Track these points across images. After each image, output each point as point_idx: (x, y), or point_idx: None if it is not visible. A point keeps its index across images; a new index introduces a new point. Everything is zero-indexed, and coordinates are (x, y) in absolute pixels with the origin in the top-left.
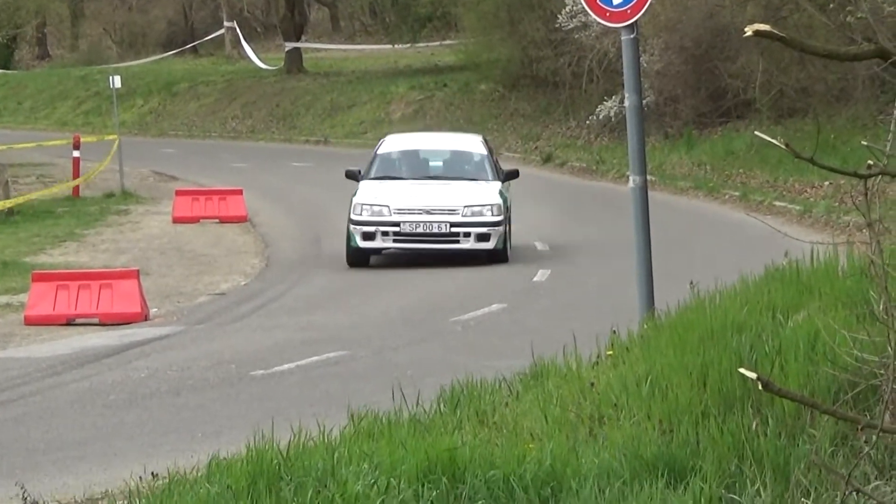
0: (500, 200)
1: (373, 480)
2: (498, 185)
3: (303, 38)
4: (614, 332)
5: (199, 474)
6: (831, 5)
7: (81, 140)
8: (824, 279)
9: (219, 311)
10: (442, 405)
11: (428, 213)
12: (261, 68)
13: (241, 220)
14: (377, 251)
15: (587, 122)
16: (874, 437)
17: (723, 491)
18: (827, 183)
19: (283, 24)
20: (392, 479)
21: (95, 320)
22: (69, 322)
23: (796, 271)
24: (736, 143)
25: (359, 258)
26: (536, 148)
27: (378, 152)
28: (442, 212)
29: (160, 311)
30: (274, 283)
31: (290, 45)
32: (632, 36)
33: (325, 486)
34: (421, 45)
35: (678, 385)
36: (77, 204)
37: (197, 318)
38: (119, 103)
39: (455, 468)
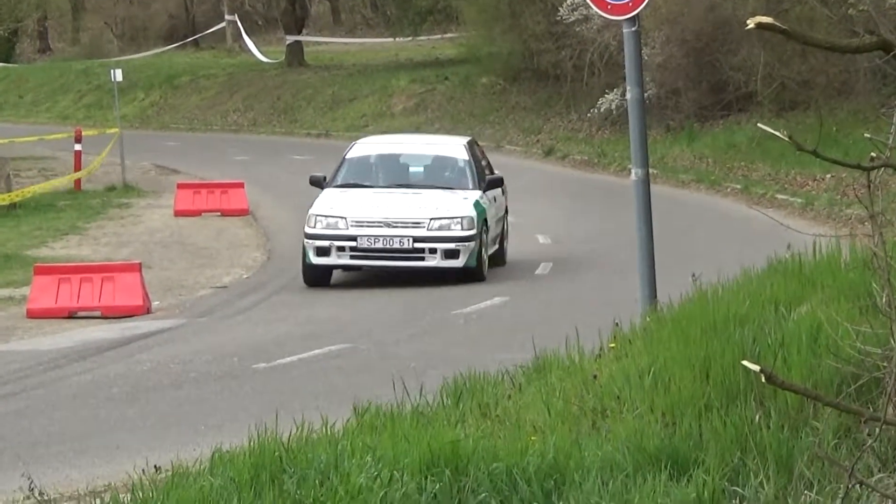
0: (472, 213)
1: (376, 473)
2: (477, 194)
3: (304, 31)
4: (617, 324)
5: (202, 467)
6: None
7: (83, 133)
8: (827, 272)
9: (221, 304)
10: (445, 398)
11: (389, 226)
12: (262, 61)
13: (242, 213)
14: (333, 268)
15: (589, 115)
16: (877, 430)
17: (726, 483)
18: (829, 175)
19: (285, 17)
20: (395, 472)
21: (97, 313)
22: (71, 315)
23: (799, 264)
24: (738, 136)
25: (315, 276)
26: (538, 141)
27: (346, 157)
28: (405, 225)
29: (162, 305)
30: (276, 276)
31: (291, 39)
32: (633, 29)
33: (328, 478)
34: (422, 38)
35: (681, 378)
36: (79, 197)
37: (199, 311)
38: (120, 97)
39: (458, 461)
